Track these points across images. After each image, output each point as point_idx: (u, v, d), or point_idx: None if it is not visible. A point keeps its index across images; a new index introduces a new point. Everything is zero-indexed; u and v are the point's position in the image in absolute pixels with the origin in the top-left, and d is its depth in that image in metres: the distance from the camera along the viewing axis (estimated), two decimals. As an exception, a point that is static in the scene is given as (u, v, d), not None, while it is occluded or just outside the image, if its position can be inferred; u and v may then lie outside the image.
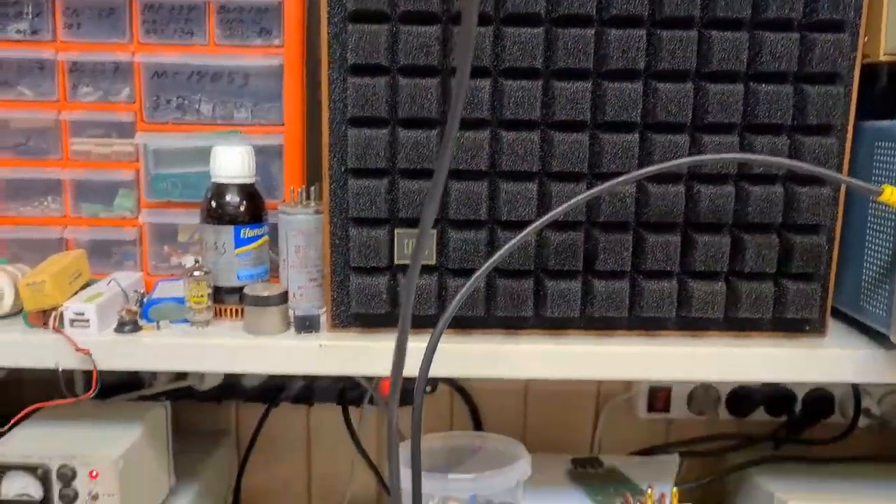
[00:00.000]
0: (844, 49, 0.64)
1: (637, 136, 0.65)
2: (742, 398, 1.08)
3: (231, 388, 1.05)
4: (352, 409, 1.07)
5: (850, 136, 0.67)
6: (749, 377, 0.69)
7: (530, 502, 0.87)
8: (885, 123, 0.67)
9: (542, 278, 0.68)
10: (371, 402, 1.08)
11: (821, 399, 1.08)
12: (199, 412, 1.09)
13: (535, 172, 0.66)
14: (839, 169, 0.67)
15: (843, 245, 0.70)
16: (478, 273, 0.60)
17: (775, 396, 1.08)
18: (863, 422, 1.08)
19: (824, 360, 0.69)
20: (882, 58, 0.68)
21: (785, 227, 0.68)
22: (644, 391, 1.09)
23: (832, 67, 0.64)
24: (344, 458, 1.12)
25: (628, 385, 1.11)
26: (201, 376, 1.03)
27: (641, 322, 0.70)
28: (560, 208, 0.61)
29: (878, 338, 0.70)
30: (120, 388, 1.00)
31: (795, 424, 1.08)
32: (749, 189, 0.66)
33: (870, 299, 0.70)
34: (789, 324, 0.70)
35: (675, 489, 0.78)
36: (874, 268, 0.69)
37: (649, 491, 0.79)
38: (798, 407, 1.08)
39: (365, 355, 0.69)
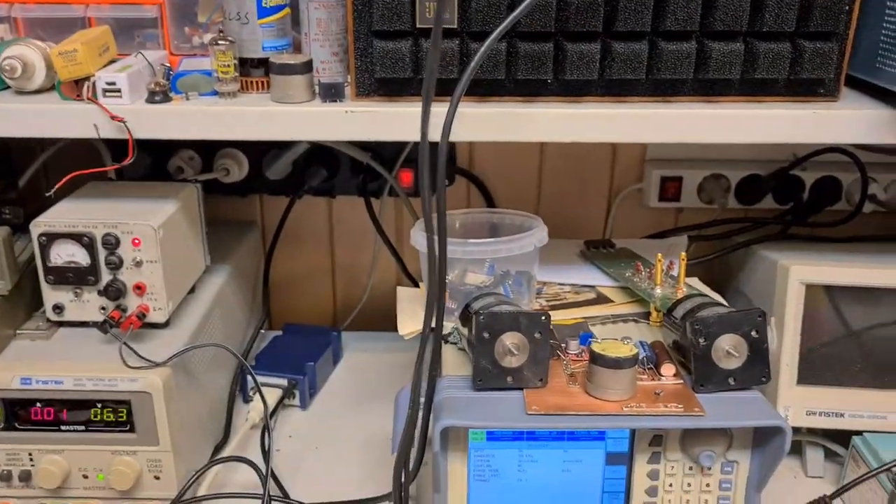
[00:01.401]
0: None
1: None
2: (751, 185, 1.12)
3: (255, 180, 1.09)
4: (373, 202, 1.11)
5: None
6: (761, 138, 0.71)
7: (546, 275, 0.92)
8: None
9: (562, 42, 0.69)
10: (390, 193, 1.12)
11: (829, 185, 1.12)
12: (226, 204, 1.14)
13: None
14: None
15: (863, 3, 0.70)
16: (499, 29, 0.61)
17: (784, 183, 1.11)
18: (868, 207, 1.11)
19: (838, 121, 0.71)
20: None
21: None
22: (656, 180, 1.12)
23: None
24: (366, 248, 1.17)
25: (640, 175, 1.14)
26: (227, 170, 1.07)
27: (659, 86, 0.71)
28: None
29: (892, 100, 0.71)
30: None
31: (803, 210, 1.11)
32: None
33: (887, 60, 0.70)
34: (804, 86, 0.72)
35: (682, 254, 0.82)
36: (894, 25, 0.69)
37: (659, 256, 0.84)
38: (806, 194, 1.12)
39: (389, 121, 0.71)
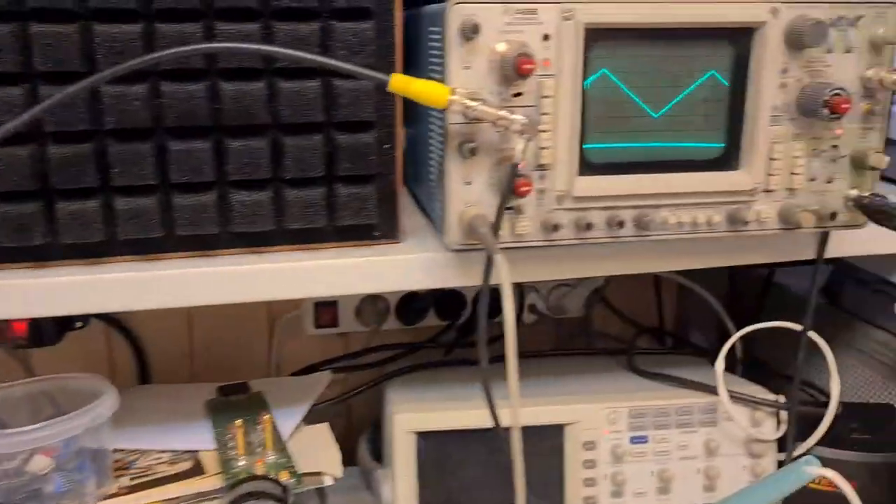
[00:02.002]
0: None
1: (139, 26, 0.56)
2: (411, 305, 1.05)
3: None
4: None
5: (398, 21, 0.61)
6: (313, 292, 0.63)
7: (150, 439, 0.80)
8: (435, 7, 0.62)
9: (53, 199, 0.59)
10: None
11: (492, 296, 1.07)
12: None
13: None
14: (387, 59, 0.61)
15: (417, 144, 0.65)
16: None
17: (444, 300, 1.06)
18: (530, 318, 1.08)
19: (393, 267, 0.65)
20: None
21: (330, 126, 0.61)
22: (310, 307, 1.04)
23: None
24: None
25: (298, 302, 1.06)
26: None
27: (186, 242, 0.62)
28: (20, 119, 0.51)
29: (447, 240, 0.66)
30: None
31: (466, 326, 1.07)
32: (281, 85, 0.59)
33: (433, 202, 0.65)
34: (355, 231, 0.65)
35: (267, 416, 0.73)
36: (433, 168, 0.64)
37: (238, 422, 0.74)
38: (468, 309, 1.07)
39: None
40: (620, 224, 0.62)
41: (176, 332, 1.04)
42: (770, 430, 0.79)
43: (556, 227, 0.61)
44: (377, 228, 0.65)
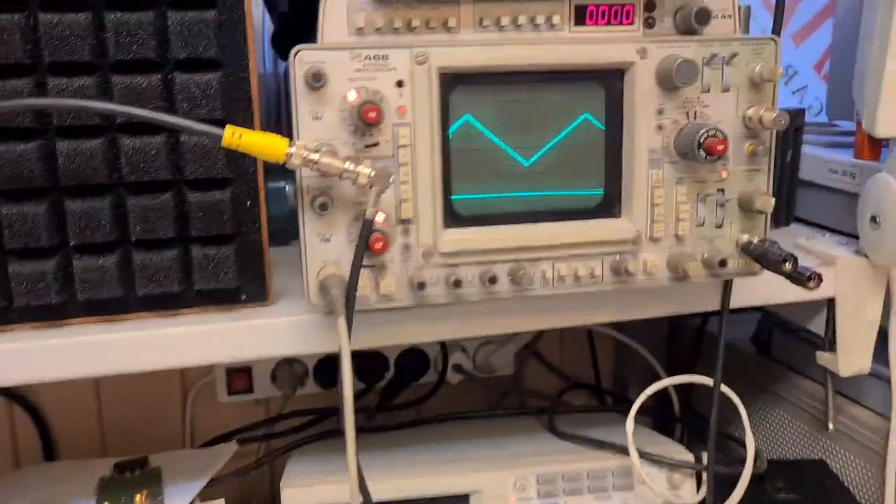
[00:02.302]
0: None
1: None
2: (328, 368, 1.01)
3: None
4: None
5: (253, 72, 0.58)
6: (176, 362, 0.59)
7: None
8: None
9: None
10: None
11: (414, 358, 1.03)
12: None
13: None
14: (242, 112, 0.58)
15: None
16: None
17: (365, 361, 1.01)
18: (456, 377, 1.04)
19: (259, 332, 0.60)
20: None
21: (180, 184, 0.57)
22: (221, 373, 0.99)
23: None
24: None
25: (209, 368, 1.01)
26: None
27: (28, 312, 0.58)
28: None
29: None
30: None
31: (390, 388, 1.02)
32: (123, 141, 0.55)
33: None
34: (219, 295, 0.61)
35: (140, 494, 0.67)
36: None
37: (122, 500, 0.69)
38: (391, 370, 1.02)
39: None
40: (493, 280, 0.58)
41: (80, 404, 0.98)
42: (689, 492, 0.74)
43: (422, 285, 0.57)
44: (243, 291, 0.61)
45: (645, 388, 0.69)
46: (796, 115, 0.78)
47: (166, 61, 0.55)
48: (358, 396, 1.01)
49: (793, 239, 0.76)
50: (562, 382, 1.07)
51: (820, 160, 0.80)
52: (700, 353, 0.98)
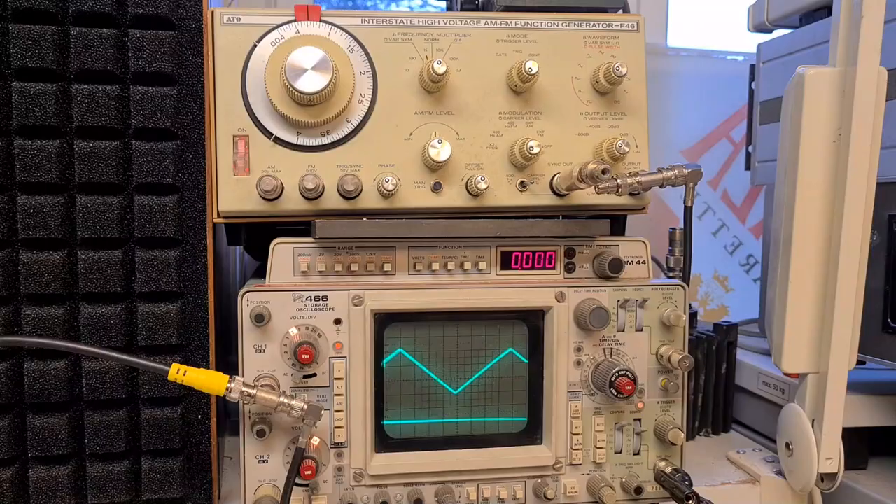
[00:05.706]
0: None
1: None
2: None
3: None
4: None
5: (211, 300, 0.64)
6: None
7: None
8: (248, 285, 0.65)
9: None
10: None
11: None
12: None
13: None
14: (198, 341, 0.63)
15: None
16: None
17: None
18: None
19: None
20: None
21: (138, 401, 0.63)
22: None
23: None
24: None
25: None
26: None
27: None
28: None
29: None
30: None
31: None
32: (86, 364, 0.61)
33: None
34: None
35: None
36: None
37: None
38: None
39: None
40: (419, 502, 0.61)
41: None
42: None
43: (351, 506, 0.61)
44: (189, 499, 0.65)
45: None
46: (729, 330, 0.83)
47: (131, 294, 0.62)
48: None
49: (726, 450, 0.79)
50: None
51: (755, 371, 0.85)
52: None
